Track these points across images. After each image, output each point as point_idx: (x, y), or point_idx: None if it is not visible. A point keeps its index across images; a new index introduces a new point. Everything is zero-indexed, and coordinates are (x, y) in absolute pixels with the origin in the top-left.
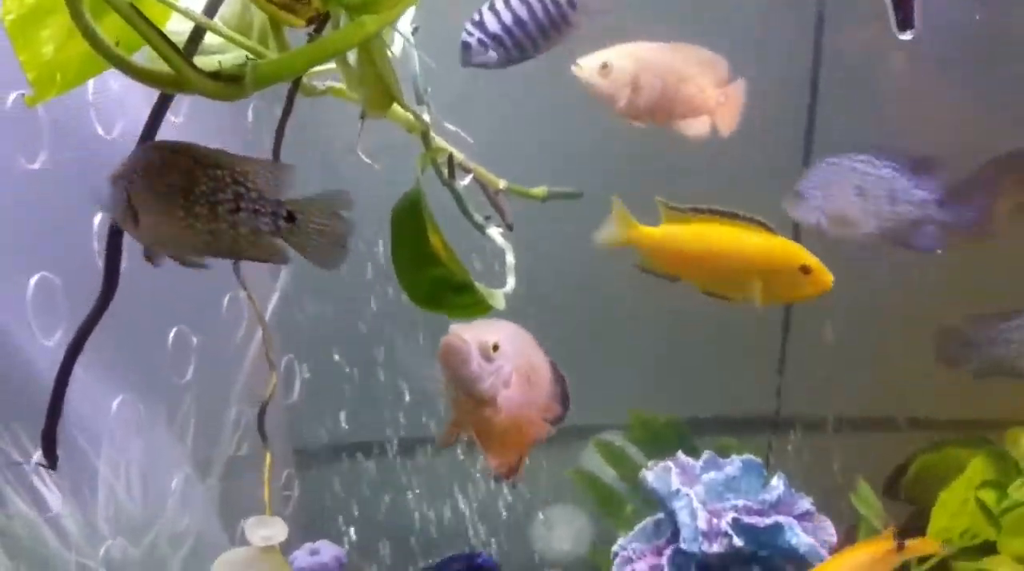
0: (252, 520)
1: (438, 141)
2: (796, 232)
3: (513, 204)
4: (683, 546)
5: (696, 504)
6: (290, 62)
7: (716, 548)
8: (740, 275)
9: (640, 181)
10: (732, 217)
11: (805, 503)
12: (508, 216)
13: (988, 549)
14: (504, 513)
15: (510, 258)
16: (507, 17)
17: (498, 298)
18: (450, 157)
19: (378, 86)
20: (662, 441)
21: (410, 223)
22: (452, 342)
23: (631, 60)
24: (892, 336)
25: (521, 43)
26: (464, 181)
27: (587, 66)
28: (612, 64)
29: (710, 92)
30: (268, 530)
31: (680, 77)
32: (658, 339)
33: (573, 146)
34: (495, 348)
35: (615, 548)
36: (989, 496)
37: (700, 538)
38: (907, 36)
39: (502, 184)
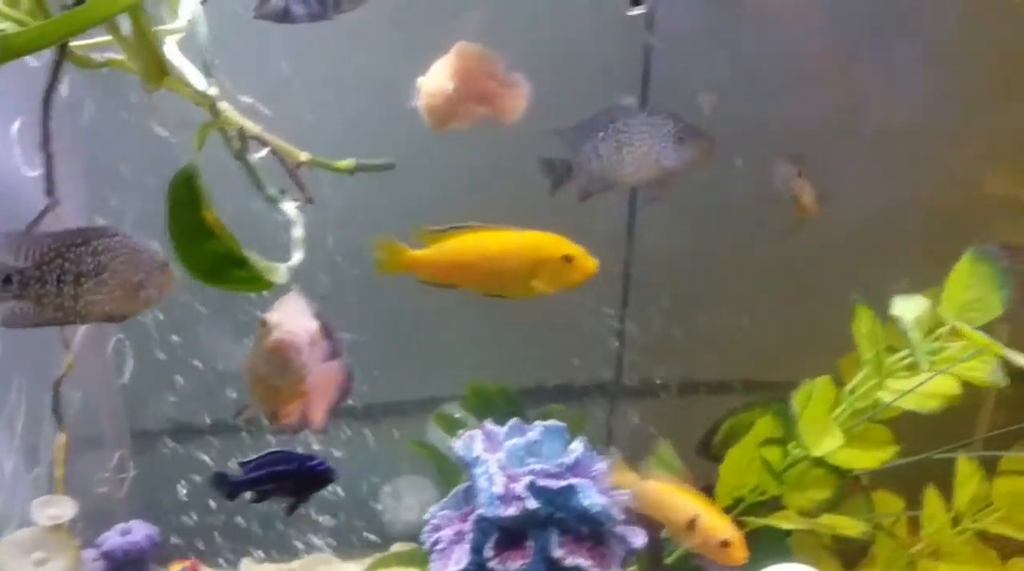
0: (39, 500)
1: (229, 113)
2: None
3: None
4: (480, 510)
5: (494, 469)
6: (41, 33)
7: (512, 511)
8: (510, 274)
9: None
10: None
11: (601, 465)
12: (307, 190)
13: (777, 505)
14: (352, 486)
15: (298, 231)
16: None
17: (279, 272)
18: (240, 130)
19: (149, 57)
20: (495, 409)
21: (186, 197)
22: (287, 339)
23: (461, 79)
24: (727, 302)
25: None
26: (259, 154)
27: (435, 88)
28: (455, 86)
29: (494, 85)
30: (55, 509)
31: (489, 82)
32: (500, 311)
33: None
34: (313, 341)
35: (426, 515)
36: (772, 453)
37: (496, 502)
38: (639, 10)
39: (304, 157)
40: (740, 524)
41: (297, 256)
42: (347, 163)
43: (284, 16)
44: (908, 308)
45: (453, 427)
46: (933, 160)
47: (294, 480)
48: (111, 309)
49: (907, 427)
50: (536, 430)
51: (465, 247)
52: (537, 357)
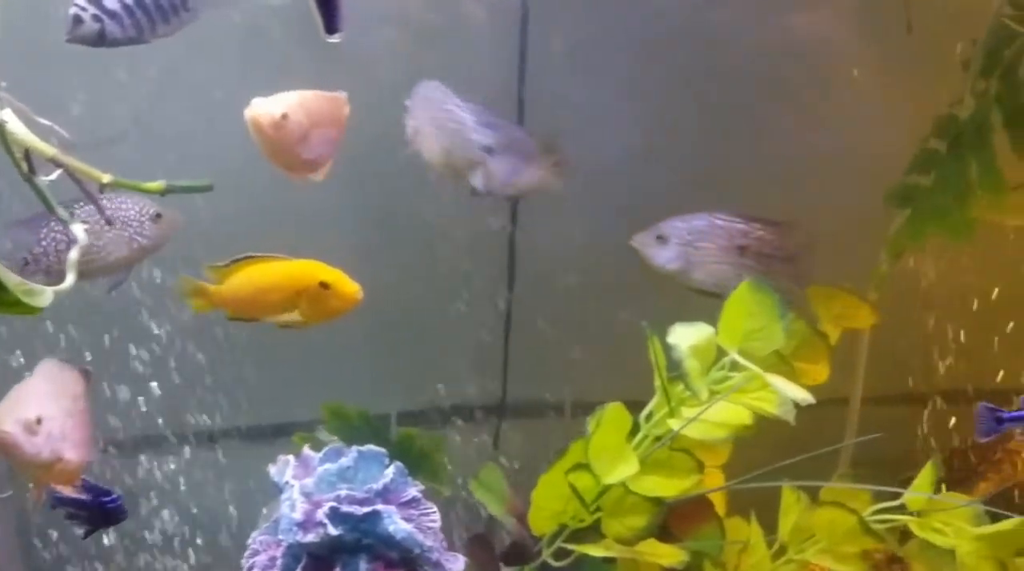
0: None
1: (20, 134)
2: None
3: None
4: (280, 536)
5: (296, 495)
6: None
7: (311, 538)
8: (279, 303)
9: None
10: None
11: (413, 491)
12: (104, 212)
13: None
14: (229, 511)
15: (74, 254)
16: None
17: (43, 296)
18: (27, 151)
19: None
20: (357, 432)
21: None
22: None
23: (304, 114)
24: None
25: (139, 23)
26: (52, 176)
27: (263, 114)
28: (289, 116)
29: (342, 134)
30: None
31: (339, 131)
32: (381, 332)
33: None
34: (38, 421)
35: (249, 541)
36: (580, 479)
37: (295, 528)
38: (335, 39)
39: (106, 178)
40: (565, 553)
41: (70, 278)
42: (158, 185)
43: (99, 39)
44: (686, 336)
45: (318, 448)
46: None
47: (88, 511)
48: (109, 263)
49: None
50: (350, 456)
51: (240, 281)
52: (426, 377)
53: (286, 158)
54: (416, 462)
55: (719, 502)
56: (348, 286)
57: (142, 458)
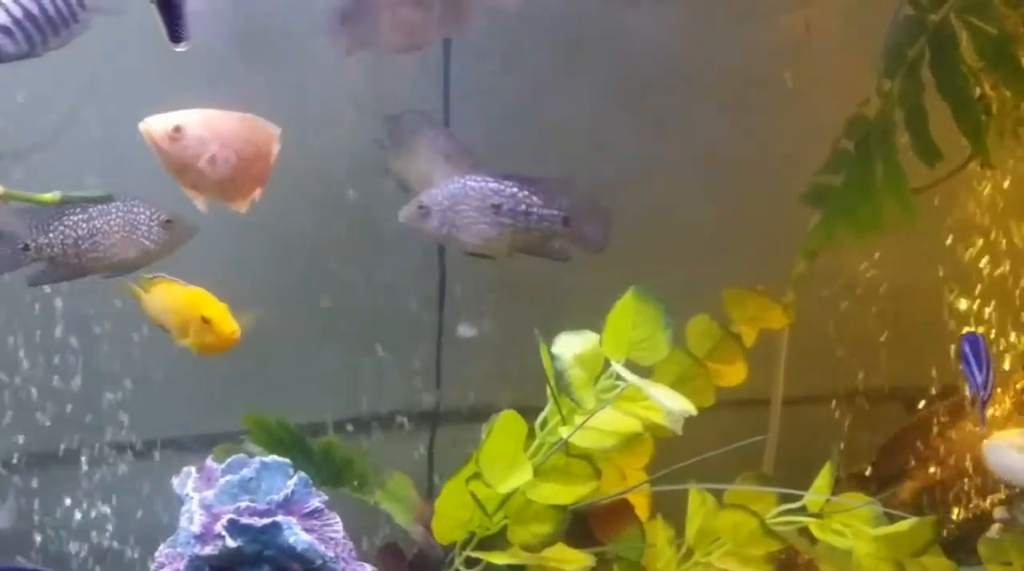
0: None
1: None
2: None
3: None
4: (179, 549)
5: (196, 508)
6: None
7: (210, 550)
8: (174, 328)
9: None
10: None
11: (316, 501)
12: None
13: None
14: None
15: None
16: (16, 11)
17: None
18: None
19: None
20: (280, 443)
21: None
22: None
23: (206, 129)
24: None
25: (31, 38)
26: None
27: (156, 126)
28: (185, 130)
29: (268, 165)
30: None
31: (255, 153)
32: (312, 341)
33: None
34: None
35: (156, 554)
36: (480, 488)
37: (193, 540)
38: (181, 48)
39: None
40: (475, 561)
41: None
42: (52, 196)
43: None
44: (570, 345)
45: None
46: None
47: None
48: (114, 262)
49: None
50: (252, 466)
51: (152, 298)
52: (358, 386)
53: (188, 176)
54: (339, 471)
55: (642, 505)
56: (226, 325)
57: (76, 469)
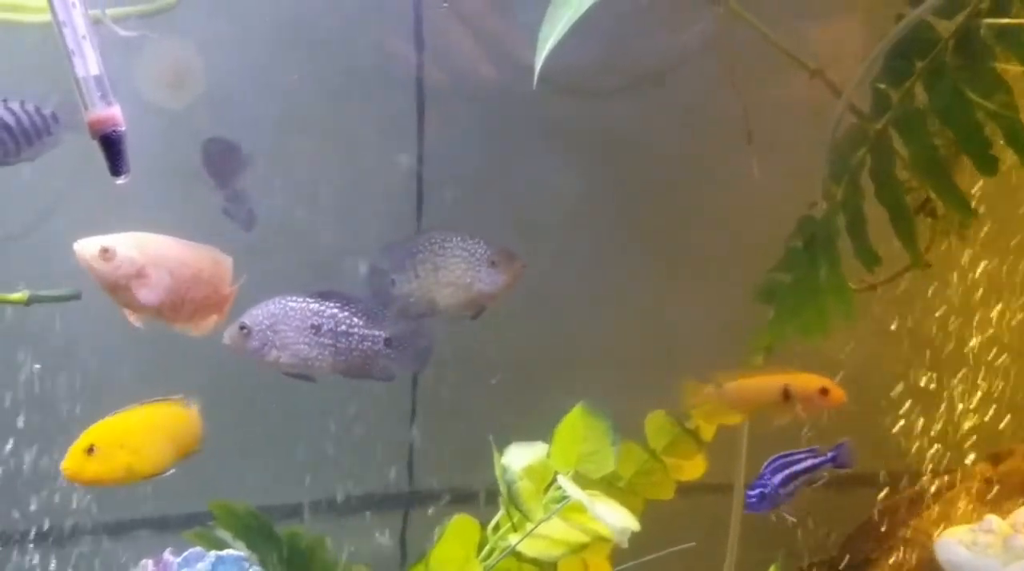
0: None
1: None
2: None
3: None
4: None
5: None
6: None
7: None
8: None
9: None
10: None
11: None
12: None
13: None
14: None
15: None
16: None
17: None
18: None
19: None
20: (247, 529)
21: None
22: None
23: (138, 250)
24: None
25: (7, 147)
26: None
27: (86, 247)
28: (115, 250)
29: (221, 292)
30: None
31: (193, 277)
32: (290, 422)
33: None
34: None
35: None
36: None
37: None
38: (121, 181)
39: None
40: None
41: None
42: (21, 295)
43: None
44: (520, 457)
45: (212, 545)
46: None
47: None
48: (455, 302)
49: None
50: (207, 561)
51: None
52: (330, 468)
53: (121, 296)
54: (307, 560)
55: None
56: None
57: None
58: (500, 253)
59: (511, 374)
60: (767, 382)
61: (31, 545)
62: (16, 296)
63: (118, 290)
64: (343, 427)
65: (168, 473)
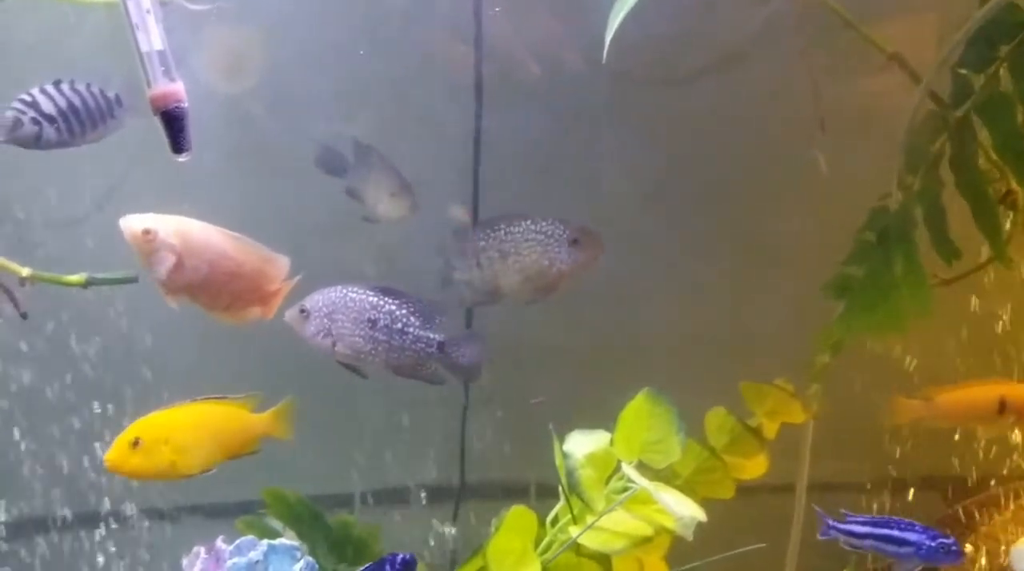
0: None
1: None
2: None
3: None
4: None
5: None
6: None
7: None
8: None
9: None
10: None
11: None
12: (21, 305)
13: None
14: None
15: None
16: (62, 102)
17: None
18: None
19: None
20: (298, 518)
21: None
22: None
23: (178, 236)
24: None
25: (72, 128)
26: None
27: (131, 225)
28: (156, 233)
29: (263, 289)
30: None
31: (233, 270)
32: (345, 413)
33: None
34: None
35: None
36: None
37: None
38: (183, 159)
39: (25, 272)
40: None
41: None
42: (79, 278)
43: (35, 142)
44: (582, 444)
45: (262, 533)
46: None
47: None
48: (528, 286)
49: None
50: (259, 549)
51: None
52: (381, 459)
53: (157, 276)
54: (355, 549)
55: None
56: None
57: (98, 533)
58: (580, 231)
59: (570, 365)
60: (982, 393)
61: (85, 530)
62: (74, 278)
63: (154, 270)
64: (397, 419)
65: (211, 472)
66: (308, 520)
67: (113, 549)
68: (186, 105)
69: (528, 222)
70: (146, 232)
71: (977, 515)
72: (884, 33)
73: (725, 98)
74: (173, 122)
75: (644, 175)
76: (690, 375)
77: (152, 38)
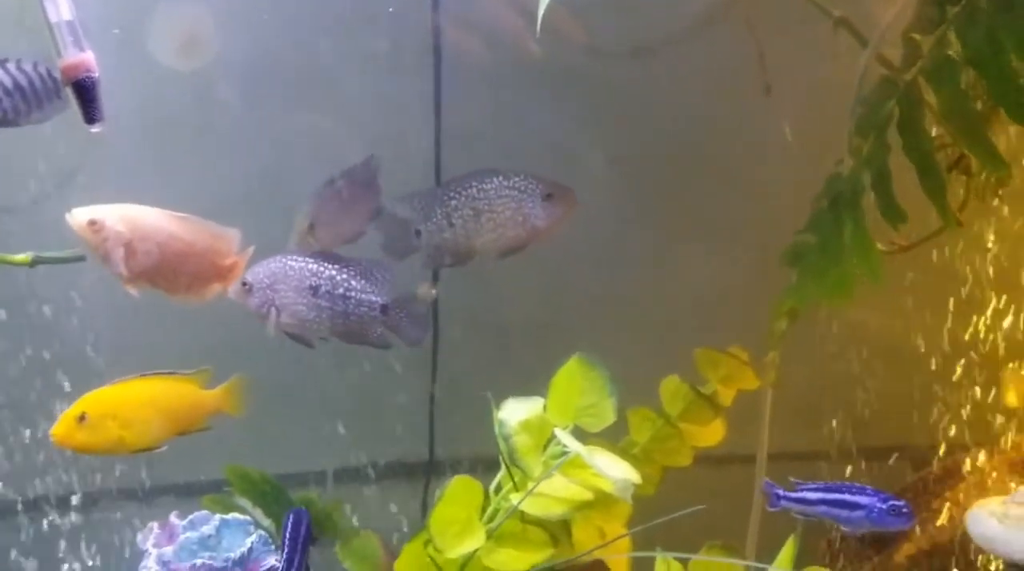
0: None
1: None
2: None
3: None
4: None
5: (152, 564)
6: None
7: None
8: None
9: None
10: None
11: (273, 559)
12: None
13: None
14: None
15: None
16: (6, 81)
17: None
18: None
19: None
20: (262, 495)
21: None
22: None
23: (125, 224)
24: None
25: (17, 107)
26: None
27: (77, 217)
28: (103, 223)
29: (218, 265)
30: None
31: (185, 250)
32: (312, 390)
33: None
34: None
35: None
36: (436, 553)
37: None
38: (96, 130)
39: None
40: None
41: None
42: (24, 257)
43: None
44: (516, 411)
45: (229, 511)
46: None
47: None
48: (501, 244)
49: None
50: (212, 523)
51: None
52: (349, 436)
53: (112, 266)
54: (319, 524)
55: (621, 564)
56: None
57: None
58: (554, 186)
59: (531, 338)
60: None
61: (53, 511)
62: (20, 257)
63: (108, 261)
64: (363, 396)
65: (161, 449)
66: (272, 497)
67: (78, 531)
68: (97, 75)
69: (500, 178)
70: (92, 223)
71: (936, 485)
72: None
73: (671, 69)
74: (84, 92)
75: (607, 147)
76: (648, 345)
77: (61, 8)
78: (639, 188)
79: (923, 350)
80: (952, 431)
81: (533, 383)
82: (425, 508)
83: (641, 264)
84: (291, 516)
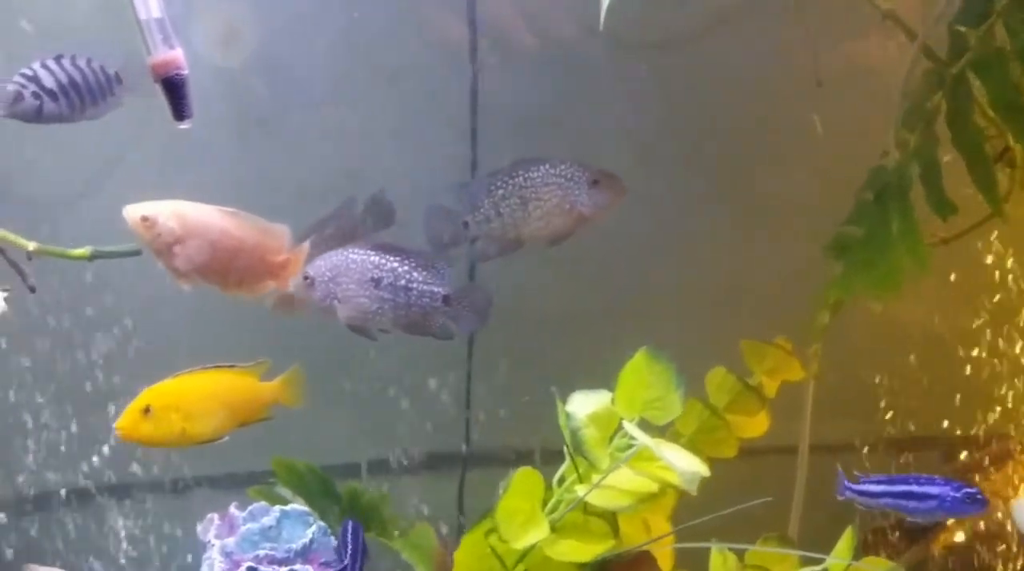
0: None
1: None
2: None
3: None
4: None
5: (216, 555)
6: None
7: None
8: None
9: None
10: None
11: (332, 551)
12: (29, 278)
13: None
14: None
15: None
16: (62, 77)
17: None
18: None
19: None
20: (307, 487)
21: None
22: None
23: (178, 220)
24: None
25: (72, 103)
26: None
27: (131, 213)
28: (156, 220)
29: (269, 261)
30: None
31: (236, 246)
32: (351, 383)
33: None
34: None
35: None
36: (498, 542)
37: None
38: (185, 126)
39: (32, 246)
40: None
41: None
42: (83, 251)
43: (36, 116)
44: (584, 404)
45: (273, 502)
46: None
47: None
48: (549, 232)
49: None
50: (272, 515)
51: None
52: (384, 428)
53: (165, 262)
54: (365, 516)
55: (665, 556)
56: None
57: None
58: (600, 173)
59: (571, 327)
60: None
61: (97, 500)
62: (79, 251)
63: (161, 256)
64: (402, 388)
65: (223, 440)
66: (317, 488)
67: (120, 521)
68: (186, 72)
69: (547, 166)
70: (144, 218)
71: (977, 474)
72: None
73: (723, 57)
74: (174, 89)
75: (641, 137)
76: (693, 335)
77: (151, 6)
78: (675, 177)
79: (960, 342)
80: (988, 422)
81: (571, 374)
82: (461, 500)
83: (689, 252)
84: (349, 525)
